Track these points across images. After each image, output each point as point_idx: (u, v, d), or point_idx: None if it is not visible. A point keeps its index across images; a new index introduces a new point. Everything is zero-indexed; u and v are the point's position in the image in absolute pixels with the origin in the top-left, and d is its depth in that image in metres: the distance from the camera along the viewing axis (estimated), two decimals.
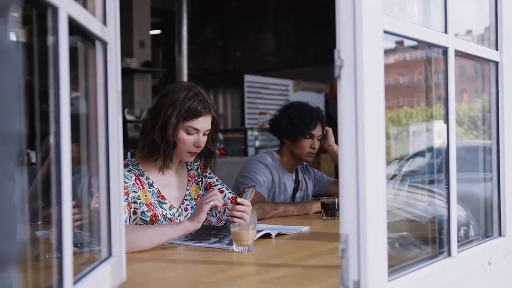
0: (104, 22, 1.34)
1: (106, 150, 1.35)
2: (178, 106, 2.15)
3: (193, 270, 1.70)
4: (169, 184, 2.28)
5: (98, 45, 1.32)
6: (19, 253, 0.60)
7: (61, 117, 0.99)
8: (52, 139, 0.99)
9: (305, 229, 2.36)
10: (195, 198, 2.35)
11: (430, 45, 1.57)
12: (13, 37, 0.61)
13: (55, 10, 0.98)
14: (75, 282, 1.06)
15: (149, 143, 2.20)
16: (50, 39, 0.99)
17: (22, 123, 0.60)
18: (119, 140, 1.38)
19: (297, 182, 3.16)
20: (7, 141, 0.56)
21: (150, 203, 2.18)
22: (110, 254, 1.36)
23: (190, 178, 2.37)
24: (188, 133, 2.19)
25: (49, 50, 1.00)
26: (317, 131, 3.03)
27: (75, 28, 1.10)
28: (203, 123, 2.20)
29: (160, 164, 2.23)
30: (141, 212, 2.14)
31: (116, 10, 1.37)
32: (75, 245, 1.20)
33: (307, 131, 2.99)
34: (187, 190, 2.34)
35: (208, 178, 2.41)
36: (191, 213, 2.28)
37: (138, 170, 2.21)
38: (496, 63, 1.82)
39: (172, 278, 1.63)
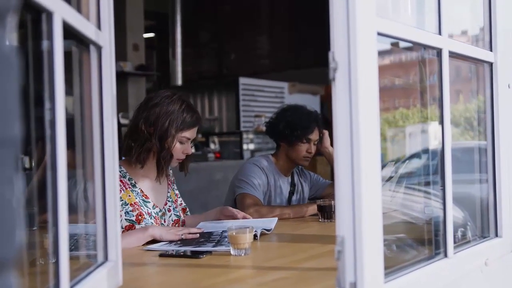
0: (99, 26, 1.34)
1: (101, 155, 1.35)
2: (175, 118, 2.26)
3: (190, 274, 1.70)
4: (152, 187, 2.37)
5: (92, 49, 1.32)
6: (18, 256, 0.61)
7: (56, 122, 0.99)
8: (47, 144, 0.99)
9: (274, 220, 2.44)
10: (174, 201, 2.46)
11: (424, 47, 1.57)
12: (11, 41, 0.61)
13: (49, 14, 0.98)
14: (71, 287, 1.06)
15: (145, 152, 2.27)
16: (44, 44, 0.99)
17: (20, 127, 0.60)
18: (114, 144, 1.38)
19: (293, 185, 3.15)
20: (6, 146, 0.56)
21: (134, 203, 2.25)
22: (106, 258, 1.36)
23: (169, 182, 2.49)
24: (181, 142, 2.31)
25: (43, 54, 0.99)
26: (314, 136, 3.02)
27: (69, 32, 1.09)
28: (194, 132, 2.35)
29: (156, 172, 2.33)
30: (125, 212, 2.21)
31: (110, 14, 1.37)
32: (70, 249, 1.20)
33: (304, 135, 2.98)
34: (168, 192, 2.45)
35: (176, 189, 2.54)
36: (174, 214, 2.42)
37: (120, 172, 2.26)
38: (491, 64, 1.82)
39: (169, 283, 1.63)
